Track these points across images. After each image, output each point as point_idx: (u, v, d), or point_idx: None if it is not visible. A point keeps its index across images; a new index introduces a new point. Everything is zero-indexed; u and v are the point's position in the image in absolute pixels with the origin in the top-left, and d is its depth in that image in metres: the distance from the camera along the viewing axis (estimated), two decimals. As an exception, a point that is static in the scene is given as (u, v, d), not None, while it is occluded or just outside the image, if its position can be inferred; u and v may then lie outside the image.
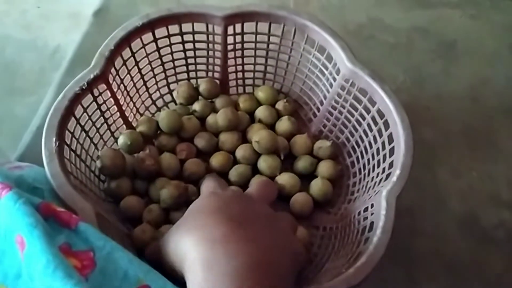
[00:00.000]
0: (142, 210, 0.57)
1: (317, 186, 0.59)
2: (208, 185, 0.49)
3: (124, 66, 0.58)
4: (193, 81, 0.66)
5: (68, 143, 0.51)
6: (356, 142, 0.60)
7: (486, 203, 0.62)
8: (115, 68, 0.56)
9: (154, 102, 0.65)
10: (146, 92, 0.64)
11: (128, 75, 0.59)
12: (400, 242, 0.59)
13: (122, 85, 0.59)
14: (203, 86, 0.64)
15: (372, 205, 0.49)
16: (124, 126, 0.61)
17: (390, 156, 0.52)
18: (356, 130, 0.59)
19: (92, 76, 0.53)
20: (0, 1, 0.88)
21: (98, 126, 0.57)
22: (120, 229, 0.54)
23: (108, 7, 0.77)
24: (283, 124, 0.63)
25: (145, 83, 0.62)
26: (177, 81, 0.66)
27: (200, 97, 0.65)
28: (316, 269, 0.54)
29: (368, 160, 0.57)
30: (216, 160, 0.60)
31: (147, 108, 0.65)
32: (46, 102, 0.66)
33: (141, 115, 0.64)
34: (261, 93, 0.65)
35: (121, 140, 0.59)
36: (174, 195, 0.55)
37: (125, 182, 0.58)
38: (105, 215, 0.51)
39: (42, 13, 0.88)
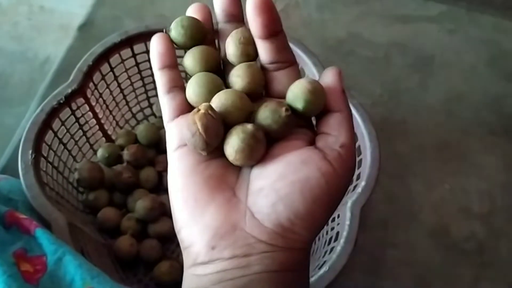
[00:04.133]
0: (119, 221, 0.58)
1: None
2: None
3: (103, 81, 0.60)
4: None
5: (45, 155, 0.53)
6: (329, 155, 0.61)
7: (457, 215, 0.64)
8: (93, 83, 0.58)
9: (134, 116, 0.67)
10: (126, 106, 0.65)
11: (107, 89, 0.61)
12: (372, 253, 0.61)
13: (101, 99, 0.60)
14: (182, 99, 0.66)
15: (338, 216, 0.51)
16: (103, 138, 0.63)
17: (357, 168, 0.54)
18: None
19: (70, 90, 0.55)
20: (-8, 13, 0.90)
21: (76, 139, 0.59)
22: (96, 239, 0.56)
23: (93, 22, 0.79)
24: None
25: (124, 97, 0.64)
26: (157, 95, 0.67)
27: (179, 110, 0.67)
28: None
29: (340, 172, 0.58)
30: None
31: (127, 122, 0.66)
32: (29, 114, 0.68)
33: (121, 128, 0.65)
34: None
35: (99, 153, 0.61)
36: (148, 207, 0.56)
37: (103, 194, 0.59)
38: (81, 225, 0.52)
39: (33, 25, 0.90)
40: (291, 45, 0.60)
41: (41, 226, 0.43)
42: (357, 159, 0.55)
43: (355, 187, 0.52)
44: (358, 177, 0.53)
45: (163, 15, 0.81)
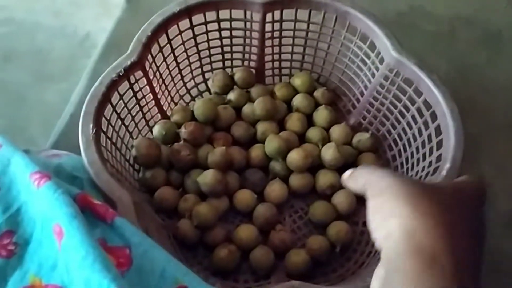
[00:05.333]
0: (176, 201, 0.55)
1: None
2: None
3: (160, 53, 0.57)
4: (228, 70, 0.64)
5: (105, 130, 0.50)
6: (399, 135, 0.57)
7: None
8: (151, 55, 0.55)
9: (188, 91, 0.64)
10: (181, 81, 0.62)
11: (164, 62, 0.58)
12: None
13: (158, 72, 0.57)
14: (238, 75, 0.63)
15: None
16: (158, 115, 0.60)
17: (437, 149, 0.50)
18: (399, 122, 0.57)
19: (129, 62, 0.51)
20: (32, -12, 0.88)
21: (133, 114, 0.56)
22: (156, 219, 0.53)
23: (142, -7, 0.75)
24: (321, 113, 0.61)
25: (180, 71, 0.61)
26: (212, 70, 0.64)
27: (235, 86, 0.63)
28: (356, 265, 0.52)
29: (412, 153, 0.55)
30: (255, 153, 0.58)
31: (181, 97, 0.63)
32: (79, 89, 0.65)
33: (176, 104, 0.62)
34: (297, 80, 0.63)
35: (156, 130, 0.58)
36: (211, 183, 0.53)
37: (160, 172, 0.56)
38: (142, 204, 0.50)
39: (73, 0, 0.88)
40: (361, 16, 0.56)
41: (119, 214, 0.40)
42: (436, 139, 0.51)
43: (436, 169, 0.48)
44: (439, 159, 0.49)
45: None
